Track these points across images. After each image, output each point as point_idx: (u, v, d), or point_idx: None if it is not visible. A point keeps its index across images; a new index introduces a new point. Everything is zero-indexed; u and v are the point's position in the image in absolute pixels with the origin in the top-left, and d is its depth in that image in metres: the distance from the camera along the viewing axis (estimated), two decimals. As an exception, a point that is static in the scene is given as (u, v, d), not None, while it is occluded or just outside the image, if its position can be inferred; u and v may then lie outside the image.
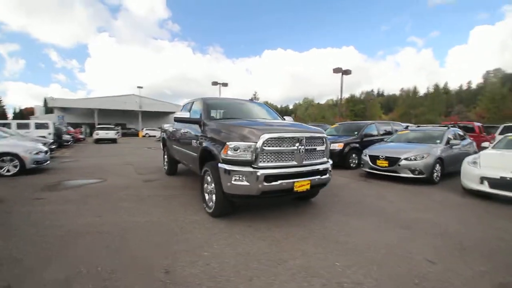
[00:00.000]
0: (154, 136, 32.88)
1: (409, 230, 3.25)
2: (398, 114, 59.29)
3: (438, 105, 62.20)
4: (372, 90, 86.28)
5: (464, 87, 75.25)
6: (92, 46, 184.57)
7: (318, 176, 3.54)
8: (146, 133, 36.93)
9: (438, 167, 6.01)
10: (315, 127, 3.82)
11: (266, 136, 3.15)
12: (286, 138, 3.29)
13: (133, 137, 34.01)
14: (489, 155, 5.04)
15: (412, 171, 5.86)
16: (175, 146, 5.73)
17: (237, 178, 3.11)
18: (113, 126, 23.65)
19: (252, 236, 3.02)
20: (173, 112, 42.90)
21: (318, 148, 3.60)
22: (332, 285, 2.11)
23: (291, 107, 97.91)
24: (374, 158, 6.46)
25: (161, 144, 7.54)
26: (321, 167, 3.58)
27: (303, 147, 3.40)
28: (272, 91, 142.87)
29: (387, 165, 6.18)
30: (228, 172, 3.15)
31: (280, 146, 3.25)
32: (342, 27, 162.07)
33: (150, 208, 3.99)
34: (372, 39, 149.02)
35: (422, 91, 65.62)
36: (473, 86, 73.28)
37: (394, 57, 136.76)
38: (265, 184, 3.12)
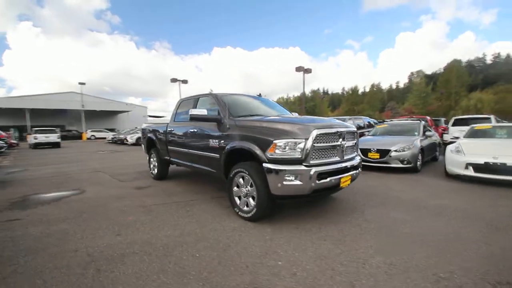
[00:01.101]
0: (104, 138, 29.53)
1: (443, 216, 3.47)
2: (344, 111, 64.97)
3: (376, 102, 70.16)
4: (318, 89, 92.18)
5: (394, 86, 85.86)
6: (12, 37, 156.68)
7: (356, 171, 3.55)
8: (92, 135, 32.99)
9: (420, 156, 6.65)
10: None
11: (316, 132, 3.01)
12: (332, 133, 3.20)
13: (76, 140, 29.98)
14: (469, 144, 5.75)
15: (402, 161, 6.37)
16: (174, 148, 5.15)
17: (289, 178, 2.91)
18: (54, 129, 20.45)
19: (308, 237, 2.86)
20: (124, 112, 39.42)
21: (353, 142, 3.61)
22: (430, 277, 2.10)
23: None
24: (365, 151, 6.82)
25: (144, 146, 6.75)
26: (356, 161, 3.60)
27: (345, 142, 3.37)
28: (225, 88, 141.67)
29: (378, 157, 6.60)
30: (278, 172, 2.92)
31: (326, 142, 3.15)
32: (288, 29, 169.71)
33: (172, 219, 3.49)
34: (316, 41, 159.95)
35: (361, 90, 73.32)
36: (401, 85, 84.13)
37: (335, 58, 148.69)
38: (317, 182, 2.99)
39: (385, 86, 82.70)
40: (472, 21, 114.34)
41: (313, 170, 2.94)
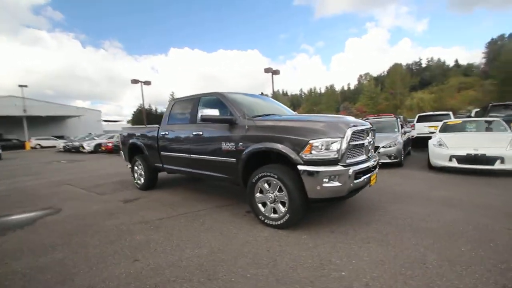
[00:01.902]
0: (53, 146, 26.13)
1: (456, 207, 3.63)
2: (304, 111, 67.85)
3: (332, 102, 74.75)
4: (277, 90, 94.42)
5: (346, 87, 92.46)
6: None
7: (377, 169, 3.53)
8: (37, 144, 29.00)
9: (403, 151, 7.07)
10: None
11: (351, 130, 2.90)
12: (361, 131, 3.12)
13: (18, 151, 25.95)
14: (449, 138, 6.25)
15: (389, 157, 6.69)
16: (169, 153, 4.62)
17: (329, 179, 2.74)
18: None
19: (350, 241, 2.72)
20: (74, 116, 35.21)
21: (374, 140, 3.60)
22: (492, 269, 2.10)
23: None
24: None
25: (124, 153, 6.00)
26: (376, 159, 3.59)
27: (370, 139, 3.33)
28: (184, 90, 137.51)
29: (367, 153, 6.83)
30: (317, 174, 2.73)
31: (357, 140, 3.06)
32: (247, 32, 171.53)
33: (190, 235, 3.06)
34: (274, 45, 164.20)
35: (318, 92, 77.78)
36: (352, 87, 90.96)
37: (292, 61, 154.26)
38: (354, 182, 2.88)
39: (338, 87, 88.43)
40: (409, 29, 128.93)
41: (351, 169, 2.82)
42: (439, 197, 4.10)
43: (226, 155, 3.57)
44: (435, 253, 2.40)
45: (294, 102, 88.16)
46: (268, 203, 3.17)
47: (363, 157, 3.19)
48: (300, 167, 2.81)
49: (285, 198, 2.97)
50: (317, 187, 2.75)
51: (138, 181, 5.57)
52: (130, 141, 5.65)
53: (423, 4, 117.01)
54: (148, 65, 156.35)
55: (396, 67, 72.92)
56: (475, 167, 5.40)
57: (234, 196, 4.61)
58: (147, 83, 23.39)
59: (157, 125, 5.03)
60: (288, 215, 2.96)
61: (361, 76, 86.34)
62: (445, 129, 7.18)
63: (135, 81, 22.75)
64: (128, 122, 67.27)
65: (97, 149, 18.04)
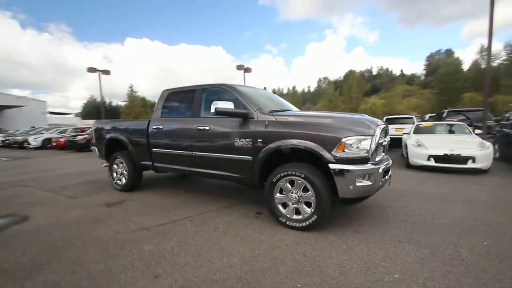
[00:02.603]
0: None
1: (455, 203, 3.86)
2: None
3: (296, 103, 77.33)
4: None
5: (306, 89, 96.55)
6: None
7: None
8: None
9: (382, 151, 7.46)
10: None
11: (379, 128, 2.86)
12: (384, 130, 3.11)
13: None
14: (427, 139, 6.75)
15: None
16: (163, 150, 4.12)
17: (362, 178, 2.66)
18: None
19: (381, 241, 2.67)
20: (14, 107, 30.21)
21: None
22: (525, 264, 2.23)
23: None
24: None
25: (100, 150, 5.23)
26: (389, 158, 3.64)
27: (388, 139, 3.35)
28: (142, 83, 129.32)
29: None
30: (350, 173, 2.63)
31: (382, 139, 3.04)
32: (211, 27, 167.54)
33: (209, 242, 2.72)
34: (238, 43, 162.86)
35: (281, 92, 80.00)
36: (312, 89, 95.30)
37: (256, 61, 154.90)
38: (382, 180, 2.85)
39: (299, 89, 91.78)
40: (363, 39, 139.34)
41: (381, 168, 2.79)
42: (434, 194, 4.35)
43: (240, 153, 3.28)
44: (465, 249, 2.47)
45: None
46: (290, 204, 2.98)
47: (382, 155, 3.19)
48: (332, 166, 2.68)
49: (312, 198, 2.81)
50: (350, 186, 2.65)
51: (118, 181, 4.90)
52: (108, 135, 4.95)
53: (376, 17, 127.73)
54: (101, 54, 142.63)
55: (352, 73, 78.61)
56: (451, 166, 5.91)
57: (233, 196, 4.32)
58: (106, 72, 21.17)
59: (146, 119, 4.47)
60: (315, 216, 2.80)
61: (320, 79, 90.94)
62: (417, 130, 7.78)
63: (92, 70, 20.37)
64: (77, 115, 60.68)
65: (46, 144, 15.81)
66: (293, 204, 2.96)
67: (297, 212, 2.96)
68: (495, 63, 52.61)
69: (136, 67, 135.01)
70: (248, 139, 3.19)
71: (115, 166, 4.94)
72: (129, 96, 48.86)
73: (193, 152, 3.74)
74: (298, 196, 2.91)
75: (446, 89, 52.94)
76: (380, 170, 2.77)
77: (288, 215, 2.99)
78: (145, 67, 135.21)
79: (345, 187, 2.66)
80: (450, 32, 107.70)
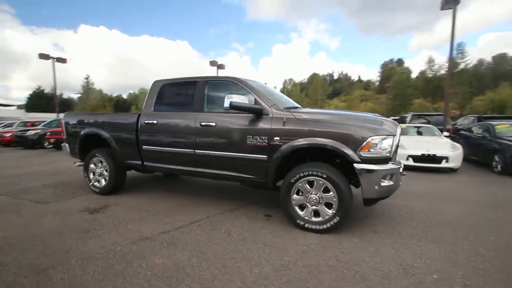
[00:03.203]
0: None
1: (449, 201, 4.08)
2: None
3: (264, 103, 78.41)
4: None
5: None
6: None
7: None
8: None
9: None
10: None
11: (399, 127, 2.86)
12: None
13: None
14: (404, 140, 7.17)
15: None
16: (158, 148, 3.68)
17: (386, 178, 2.63)
18: None
19: (401, 240, 2.67)
20: None
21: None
22: (535, 257, 2.39)
23: (125, 96, 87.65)
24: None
25: (74, 147, 4.53)
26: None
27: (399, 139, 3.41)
28: (98, 75, 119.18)
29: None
30: (376, 173, 2.58)
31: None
32: (176, 21, 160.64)
33: (229, 251, 2.46)
34: (204, 39, 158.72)
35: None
36: (277, 90, 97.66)
37: (223, 58, 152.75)
38: (400, 180, 2.87)
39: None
40: (325, 44, 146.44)
41: (401, 167, 2.80)
42: (422, 192, 4.59)
43: (253, 151, 3.05)
44: (479, 245, 2.58)
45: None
46: (309, 205, 2.84)
47: (396, 155, 3.23)
48: (357, 166, 2.61)
49: (334, 199, 2.71)
50: (375, 186, 2.60)
51: (96, 183, 4.29)
52: (85, 130, 4.30)
53: (337, 24, 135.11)
54: (50, 41, 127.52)
55: (316, 76, 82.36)
56: (427, 165, 6.37)
57: (233, 198, 4.06)
58: (62, 60, 18.79)
59: (135, 112, 3.97)
60: (337, 217, 2.71)
61: (286, 81, 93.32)
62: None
63: (44, 56, 17.90)
64: (20, 107, 53.53)
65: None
66: (312, 205, 2.83)
67: (316, 214, 2.84)
68: (440, 73, 59.72)
69: (91, 57, 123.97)
70: (263, 137, 2.98)
71: (92, 165, 4.31)
72: (84, 88, 44.47)
73: (196, 151, 3.39)
74: (318, 197, 2.79)
75: (399, 95, 58.23)
76: (401, 170, 2.78)
77: (306, 217, 2.85)
78: (102, 58, 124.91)
79: (370, 187, 2.61)
80: (401, 43, 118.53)
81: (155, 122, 3.68)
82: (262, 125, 3.01)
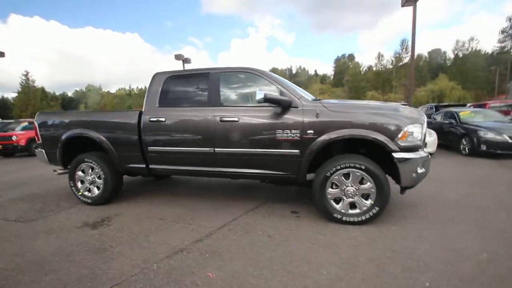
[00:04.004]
0: None
1: (451, 183, 4.43)
2: None
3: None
4: None
5: None
6: None
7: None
8: None
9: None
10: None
11: (424, 115, 2.95)
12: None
13: None
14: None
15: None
16: (168, 149, 3.29)
17: (422, 166, 2.70)
18: None
19: (436, 225, 2.79)
20: None
21: None
22: (548, 227, 2.68)
23: (70, 94, 79.40)
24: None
25: (49, 153, 3.85)
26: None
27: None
28: (35, 71, 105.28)
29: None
30: (414, 161, 2.64)
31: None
32: (125, 11, 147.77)
33: (279, 256, 2.29)
34: (158, 32, 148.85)
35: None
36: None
37: (179, 52, 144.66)
38: (427, 167, 2.97)
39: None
40: (282, 39, 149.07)
41: (429, 155, 2.90)
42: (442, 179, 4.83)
43: (284, 147, 2.89)
44: (501, 224, 2.79)
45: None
46: (345, 198, 2.80)
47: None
48: (396, 155, 2.63)
49: (372, 190, 2.71)
50: (413, 174, 2.66)
51: (87, 193, 3.72)
52: (68, 133, 3.67)
53: (292, 21, 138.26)
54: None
55: (276, 72, 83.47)
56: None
57: (246, 195, 3.86)
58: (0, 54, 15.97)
59: (134, 109, 3.50)
60: (376, 208, 2.72)
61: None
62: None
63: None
64: None
65: None
66: (348, 198, 2.79)
67: (352, 206, 2.81)
68: (388, 67, 65.27)
69: (28, 52, 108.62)
70: (295, 131, 2.83)
71: (80, 173, 3.72)
72: (23, 86, 38.78)
73: (215, 149, 3.11)
74: (355, 189, 2.76)
75: (354, 87, 62.21)
76: (429, 157, 2.88)
77: (343, 210, 2.81)
78: (40, 52, 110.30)
79: (408, 175, 2.66)
80: (351, 40, 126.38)
81: (163, 119, 3.27)
82: (293, 118, 2.86)
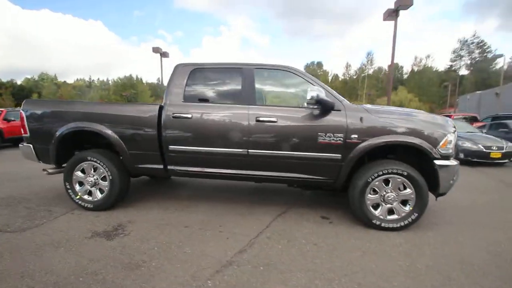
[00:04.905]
0: None
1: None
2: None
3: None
4: (130, 75, 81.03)
5: None
6: None
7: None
8: None
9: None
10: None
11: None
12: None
13: None
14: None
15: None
16: (194, 149, 2.98)
17: (457, 173, 2.79)
18: None
19: (464, 230, 2.91)
20: None
21: None
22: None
23: (19, 82, 70.80)
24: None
25: (42, 150, 3.28)
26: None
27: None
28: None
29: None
30: (452, 168, 2.72)
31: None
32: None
33: (341, 264, 2.17)
34: (125, 22, 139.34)
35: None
36: None
37: (147, 45, 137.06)
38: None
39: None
40: (255, 41, 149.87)
41: (457, 163, 3.01)
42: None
43: (325, 150, 2.79)
44: (516, 226, 3.02)
45: (158, 91, 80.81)
46: (384, 204, 2.79)
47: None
48: (438, 162, 2.68)
49: (412, 196, 2.73)
50: (450, 181, 2.74)
51: (86, 196, 3.23)
52: (66, 127, 3.14)
53: (266, 24, 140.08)
54: None
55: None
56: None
57: (265, 200, 3.68)
58: None
59: (152, 103, 3.12)
60: (415, 214, 2.74)
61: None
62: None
63: None
64: None
65: None
66: (387, 204, 2.78)
67: (389, 212, 2.81)
68: (354, 77, 69.38)
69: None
70: (338, 135, 2.75)
71: (79, 173, 3.21)
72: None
73: (249, 151, 2.89)
74: (395, 195, 2.76)
75: (325, 93, 64.71)
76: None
77: (381, 216, 2.79)
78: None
79: (446, 182, 2.73)
80: (320, 48, 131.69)
81: (189, 116, 2.96)
82: (337, 121, 2.77)
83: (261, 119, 2.86)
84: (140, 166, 3.17)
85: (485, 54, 48.00)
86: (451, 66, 52.34)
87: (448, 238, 2.66)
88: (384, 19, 12.09)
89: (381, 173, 2.72)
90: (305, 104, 2.76)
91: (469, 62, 50.51)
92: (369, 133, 2.72)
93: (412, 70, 60.13)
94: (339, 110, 2.81)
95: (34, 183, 4.41)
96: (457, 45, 51.97)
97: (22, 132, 3.32)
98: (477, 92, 32.29)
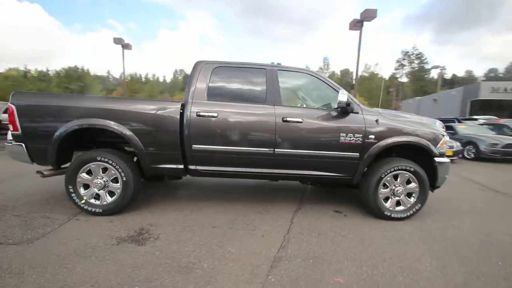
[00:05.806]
0: None
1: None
2: (119, 95, 60.11)
3: (155, 92, 72.34)
4: (75, 66, 72.78)
5: (161, 79, 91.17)
6: None
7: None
8: None
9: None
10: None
11: (443, 127, 3.57)
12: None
13: None
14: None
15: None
16: (223, 148, 2.93)
17: (449, 169, 3.27)
18: None
19: (468, 219, 3.44)
20: None
21: None
22: (515, 214, 3.66)
23: None
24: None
25: (37, 149, 2.89)
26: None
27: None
28: None
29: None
30: (447, 165, 3.19)
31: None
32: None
33: (373, 254, 2.41)
34: (68, 7, 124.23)
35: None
36: (168, 80, 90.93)
37: (94, 35, 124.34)
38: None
39: (156, 77, 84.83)
40: (212, 39, 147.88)
41: (448, 160, 3.52)
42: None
43: (346, 150, 3.02)
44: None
45: (109, 85, 73.93)
46: (393, 196, 3.15)
47: None
48: (437, 159, 3.12)
49: (416, 189, 3.13)
50: (446, 175, 3.20)
51: (93, 200, 2.95)
52: (70, 124, 2.81)
53: (226, 22, 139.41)
54: None
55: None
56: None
57: (273, 197, 3.80)
58: None
59: (175, 101, 2.98)
60: (419, 205, 3.15)
61: (176, 71, 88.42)
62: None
63: None
64: None
65: None
66: (395, 196, 3.14)
67: (399, 203, 3.18)
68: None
69: None
70: (358, 135, 3.00)
71: (84, 175, 2.92)
72: None
73: (275, 150, 2.98)
74: (402, 189, 3.13)
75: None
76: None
77: (391, 208, 3.14)
78: None
79: (443, 177, 3.19)
80: (281, 51, 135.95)
81: (215, 115, 2.91)
82: (357, 123, 3.02)
83: (287, 119, 2.96)
84: (157, 166, 3.01)
85: (422, 65, 55.12)
86: (394, 73, 58.79)
87: (446, 224, 3.12)
88: (350, 29, 13.10)
89: (393, 169, 3.06)
90: (336, 106, 2.93)
91: (409, 70, 57.35)
92: (384, 134, 3.04)
93: (362, 76, 65.97)
94: (357, 113, 3.07)
95: (8, 187, 3.82)
96: (400, 55, 58.64)
97: (11, 129, 2.87)
98: (417, 97, 36.91)
